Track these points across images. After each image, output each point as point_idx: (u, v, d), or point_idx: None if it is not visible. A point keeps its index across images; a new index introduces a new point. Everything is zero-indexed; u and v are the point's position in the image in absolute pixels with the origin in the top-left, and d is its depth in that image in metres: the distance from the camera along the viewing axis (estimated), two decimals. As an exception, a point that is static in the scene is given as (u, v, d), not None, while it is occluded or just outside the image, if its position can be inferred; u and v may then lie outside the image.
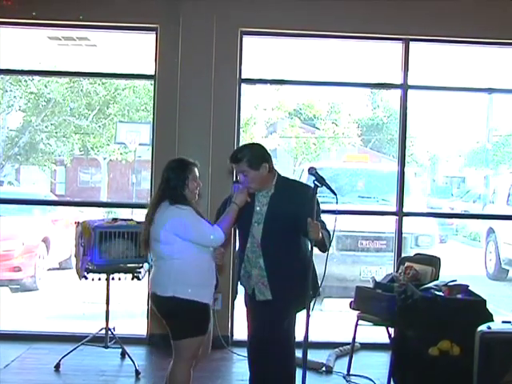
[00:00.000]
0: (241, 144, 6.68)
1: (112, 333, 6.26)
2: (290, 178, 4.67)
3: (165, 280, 4.26)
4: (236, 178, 4.66)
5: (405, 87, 6.93)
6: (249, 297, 4.62)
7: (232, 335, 6.91)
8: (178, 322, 4.28)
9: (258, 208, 4.45)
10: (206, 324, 4.31)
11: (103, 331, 6.24)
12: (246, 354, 5.88)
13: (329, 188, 4.18)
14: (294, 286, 4.32)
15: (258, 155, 4.43)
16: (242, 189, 4.37)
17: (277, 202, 4.41)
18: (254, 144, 4.81)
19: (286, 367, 4.51)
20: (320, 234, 4.21)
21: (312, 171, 4.21)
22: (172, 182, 4.29)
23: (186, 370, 4.33)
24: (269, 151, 4.57)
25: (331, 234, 4.46)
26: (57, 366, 6.01)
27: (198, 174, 4.41)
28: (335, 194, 4.23)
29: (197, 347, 4.31)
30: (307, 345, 4.23)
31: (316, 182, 4.18)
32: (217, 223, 4.29)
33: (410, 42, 6.89)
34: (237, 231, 4.78)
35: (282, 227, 4.32)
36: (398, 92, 7.03)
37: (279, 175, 4.54)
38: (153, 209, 4.28)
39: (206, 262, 4.29)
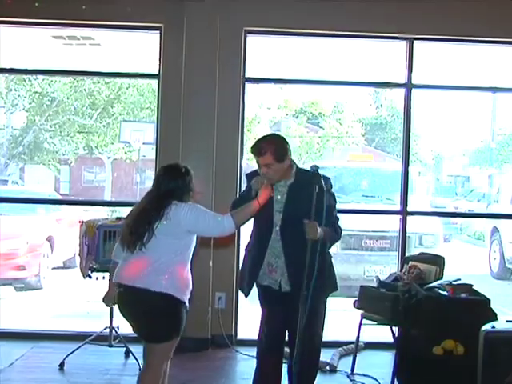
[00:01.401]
0: (245, 141, 6.68)
1: (116, 331, 6.26)
2: (308, 170, 4.55)
3: (163, 273, 4.14)
4: (249, 176, 4.57)
5: (409, 86, 6.92)
6: (268, 292, 4.48)
7: (236, 334, 6.91)
8: (164, 322, 4.15)
9: (278, 197, 4.40)
10: (182, 326, 4.24)
11: (107, 330, 6.24)
12: (249, 353, 5.90)
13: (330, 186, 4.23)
14: (311, 276, 4.24)
15: (282, 148, 4.36)
16: (266, 185, 4.29)
17: (295, 191, 4.37)
18: (277, 136, 4.66)
19: (313, 364, 4.52)
20: (318, 234, 4.17)
21: (313, 168, 4.23)
22: (174, 184, 4.28)
23: (157, 372, 4.27)
24: (288, 142, 4.51)
25: (340, 232, 4.47)
26: (61, 365, 6.02)
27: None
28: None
29: (171, 349, 4.28)
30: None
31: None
32: (232, 213, 4.24)
33: (414, 41, 6.88)
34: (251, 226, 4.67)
35: (300, 216, 4.21)
36: (402, 91, 7.02)
37: (297, 166, 4.51)
38: (157, 211, 4.17)
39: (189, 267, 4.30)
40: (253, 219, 4.43)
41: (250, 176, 4.55)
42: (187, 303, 4.22)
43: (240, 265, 6.71)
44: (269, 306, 4.54)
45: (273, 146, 4.33)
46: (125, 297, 4.22)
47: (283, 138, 4.52)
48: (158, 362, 4.26)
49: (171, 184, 4.27)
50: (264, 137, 4.54)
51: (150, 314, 4.14)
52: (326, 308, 4.54)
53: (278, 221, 4.37)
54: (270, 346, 4.54)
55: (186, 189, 4.29)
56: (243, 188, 4.81)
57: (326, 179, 4.34)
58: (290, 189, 4.40)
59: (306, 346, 4.23)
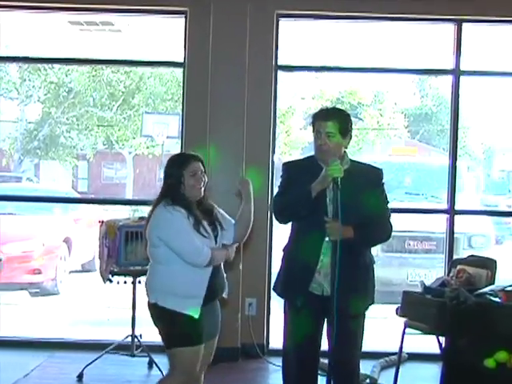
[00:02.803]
0: (277, 133, 6.67)
1: (139, 340, 6.31)
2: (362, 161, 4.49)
3: (151, 285, 4.32)
4: (288, 166, 4.49)
5: (457, 73, 6.87)
6: (309, 299, 4.31)
7: (268, 343, 6.92)
8: (162, 331, 4.33)
9: (330, 184, 4.16)
10: (192, 336, 4.22)
11: (129, 338, 6.29)
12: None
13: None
14: (355, 281, 4.22)
15: (349, 120, 4.29)
16: (333, 160, 4.08)
17: (349, 179, 4.16)
18: (344, 109, 4.59)
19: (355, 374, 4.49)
20: (341, 236, 4.03)
21: None
22: (169, 180, 4.29)
23: (172, 381, 4.36)
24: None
25: (388, 231, 4.39)
26: (80, 376, 6.06)
27: (199, 168, 4.31)
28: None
29: (190, 359, 4.26)
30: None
31: None
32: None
33: (463, 24, 6.82)
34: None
35: (353, 208, 4.11)
36: (450, 78, 6.98)
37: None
38: (152, 208, 4.30)
39: (194, 271, 4.20)
40: None
41: (289, 166, 4.49)
42: (182, 311, 4.17)
43: (273, 268, 6.79)
44: (302, 315, 4.36)
45: (340, 115, 4.28)
46: None
47: (351, 117, 4.41)
48: (173, 371, 4.34)
49: (163, 181, 4.35)
50: (332, 107, 4.53)
51: (154, 324, 4.39)
52: (364, 321, 4.46)
53: (330, 211, 4.16)
54: (301, 359, 4.43)
55: (171, 184, 4.26)
56: (275, 184, 4.75)
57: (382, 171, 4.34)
58: (346, 176, 4.16)
59: (344, 369, 4.25)
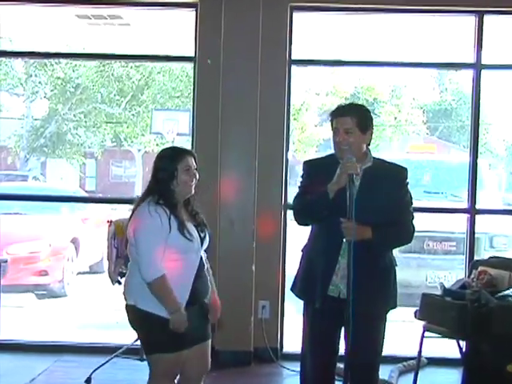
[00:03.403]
0: (291, 130, 6.66)
1: (148, 344, 6.31)
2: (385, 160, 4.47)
3: (129, 286, 4.25)
4: (308, 165, 4.47)
5: (478, 67, 6.84)
6: (326, 302, 4.31)
7: (282, 347, 6.92)
8: (140, 335, 4.33)
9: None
10: (172, 341, 4.13)
11: (138, 342, 6.28)
12: (296, 369, 5.89)
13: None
14: (375, 283, 4.22)
15: (368, 115, 4.29)
16: (348, 158, 4.07)
17: (371, 177, 4.21)
18: (363, 105, 4.61)
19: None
20: (355, 236, 4.01)
21: None
22: (159, 174, 4.19)
23: None
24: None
25: (410, 232, 4.36)
26: (88, 381, 6.06)
27: (192, 163, 4.22)
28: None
29: (169, 366, 4.21)
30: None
31: None
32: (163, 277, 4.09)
33: (485, 15, 6.79)
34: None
35: (375, 208, 4.13)
36: (470, 72, 6.95)
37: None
38: (136, 204, 4.22)
39: (177, 272, 4.12)
40: None
41: (309, 165, 4.47)
42: (162, 315, 4.08)
43: (287, 269, 6.78)
44: (320, 318, 4.36)
45: (358, 110, 4.27)
46: None
47: (370, 112, 4.41)
48: (153, 378, 4.26)
49: (151, 175, 4.27)
50: (350, 102, 4.51)
51: (132, 328, 4.36)
52: (385, 326, 4.43)
53: (351, 212, 4.10)
54: (318, 364, 4.44)
55: (162, 179, 4.17)
56: (294, 182, 4.71)
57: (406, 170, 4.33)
58: (365, 173, 4.22)
59: (362, 374, 4.23)
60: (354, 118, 4.17)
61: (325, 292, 4.25)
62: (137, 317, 4.21)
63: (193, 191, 4.26)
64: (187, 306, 4.15)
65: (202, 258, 4.28)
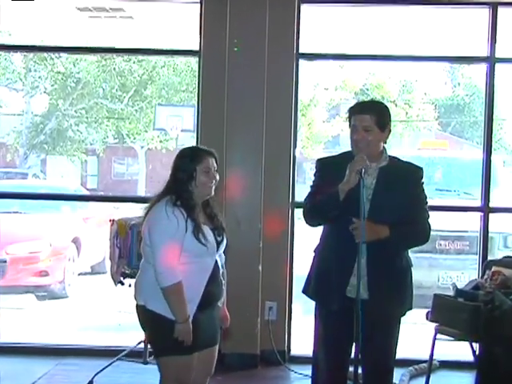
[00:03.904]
0: (298, 126, 6.66)
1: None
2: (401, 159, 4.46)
3: (140, 285, 4.26)
4: (322, 163, 4.45)
5: (492, 60, 6.83)
6: (343, 303, 4.28)
7: (289, 350, 6.92)
8: (150, 336, 4.32)
9: (367, 181, 4.17)
10: (183, 344, 4.13)
11: (142, 345, 6.30)
12: (304, 372, 5.91)
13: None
14: (392, 284, 4.22)
15: (387, 113, 4.29)
16: (359, 157, 4.08)
17: (387, 176, 4.23)
18: (382, 102, 4.63)
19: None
20: (365, 238, 4.03)
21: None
22: (178, 175, 4.20)
23: None
24: None
25: (426, 231, 4.35)
26: (89, 384, 6.10)
27: (213, 165, 4.24)
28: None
29: (181, 369, 4.20)
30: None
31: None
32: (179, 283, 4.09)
33: (499, 7, 6.78)
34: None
35: (391, 207, 4.15)
36: (484, 66, 6.94)
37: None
38: (153, 202, 4.23)
39: (189, 275, 4.12)
40: None
41: (322, 163, 4.46)
42: (172, 317, 4.11)
43: (295, 269, 6.79)
44: (336, 321, 4.33)
45: (378, 108, 4.28)
46: None
47: (389, 109, 4.41)
48: (164, 382, 4.27)
49: (170, 175, 4.28)
50: (369, 100, 4.52)
51: (142, 329, 4.37)
52: (399, 328, 4.42)
53: (366, 210, 4.11)
54: (333, 367, 4.42)
55: (181, 179, 4.18)
56: (302, 180, 4.71)
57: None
58: (381, 172, 4.24)
59: (375, 378, 4.24)
60: (373, 116, 4.17)
61: (343, 293, 4.23)
62: (146, 318, 4.22)
63: (212, 193, 4.27)
64: (199, 309, 4.16)
65: (217, 261, 4.27)
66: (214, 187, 4.26)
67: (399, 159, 4.42)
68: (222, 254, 4.41)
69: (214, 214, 4.32)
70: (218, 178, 4.28)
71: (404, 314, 4.40)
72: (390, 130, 4.29)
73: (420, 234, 4.37)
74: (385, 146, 4.32)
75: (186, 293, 4.09)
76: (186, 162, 4.22)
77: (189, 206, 4.14)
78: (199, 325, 4.16)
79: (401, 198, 4.18)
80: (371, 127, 4.17)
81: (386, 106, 4.39)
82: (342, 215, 4.15)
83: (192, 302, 4.14)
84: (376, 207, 4.13)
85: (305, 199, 4.46)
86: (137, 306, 4.26)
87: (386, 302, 4.18)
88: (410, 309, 4.44)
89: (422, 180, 4.37)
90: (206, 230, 4.19)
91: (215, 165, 4.27)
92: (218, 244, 4.27)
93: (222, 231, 4.32)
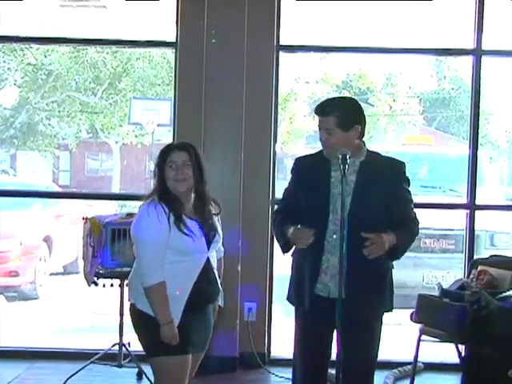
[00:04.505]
0: (279, 121, 6.67)
1: (127, 349, 6.30)
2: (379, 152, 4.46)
3: (131, 284, 4.31)
4: (299, 162, 4.44)
5: (478, 53, 6.86)
6: (315, 302, 4.31)
7: (269, 352, 6.93)
8: (140, 336, 4.30)
9: (348, 177, 4.13)
10: (178, 343, 4.14)
11: (116, 347, 6.29)
12: (285, 375, 5.92)
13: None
14: (369, 283, 4.22)
15: (351, 111, 4.26)
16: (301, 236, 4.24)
17: (367, 171, 4.22)
18: (350, 99, 4.62)
19: None
20: (385, 249, 4.11)
21: (343, 154, 4.08)
22: (155, 173, 4.29)
23: None
24: (364, 111, 4.39)
25: (414, 230, 4.36)
26: (62, 389, 6.08)
27: (181, 158, 4.20)
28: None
29: (174, 371, 4.20)
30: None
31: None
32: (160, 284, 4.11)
33: (485, -3, 6.83)
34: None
35: (373, 204, 4.17)
36: (470, 59, 6.97)
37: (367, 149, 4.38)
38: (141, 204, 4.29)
39: (178, 273, 4.14)
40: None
41: (298, 163, 4.48)
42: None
43: (274, 268, 6.80)
44: (311, 320, 4.37)
45: (339, 109, 4.23)
46: None
47: (358, 104, 4.40)
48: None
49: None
50: (334, 97, 4.55)
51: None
52: (381, 330, 4.42)
53: (346, 205, 4.08)
54: (308, 368, 4.45)
55: (157, 178, 4.22)
56: (283, 176, 4.74)
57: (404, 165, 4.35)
58: (361, 167, 4.24)
59: (353, 381, 4.22)
60: (334, 118, 4.17)
61: (312, 291, 4.26)
62: (135, 316, 4.25)
63: (183, 188, 4.21)
64: (190, 309, 4.17)
65: (209, 259, 4.28)
66: (184, 182, 4.20)
67: (379, 154, 4.42)
68: (222, 247, 4.49)
69: (203, 209, 4.30)
70: (188, 172, 4.21)
71: (382, 315, 4.39)
72: (363, 127, 4.26)
73: (415, 233, 4.39)
74: (363, 141, 4.32)
75: (173, 291, 4.10)
76: (158, 160, 4.25)
77: (169, 200, 4.15)
78: (191, 325, 4.18)
79: (383, 195, 4.18)
80: (333, 130, 4.18)
81: (352, 104, 4.37)
82: (311, 213, 4.25)
83: (179, 300, 4.14)
84: (357, 201, 4.16)
85: (275, 208, 4.53)
86: (130, 305, 4.31)
87: (363, 302, 4.17)
88: (391, 310, 4.44)
89: (406, 175, 4.36)
90: (191, 223, 4.19)
91: (186, 157, 4.22)
92: (210, 240, 4.28)
93: (212, 227, 4.32)
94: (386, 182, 4.21)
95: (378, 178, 4.20)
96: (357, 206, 4.15)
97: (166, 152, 4.25)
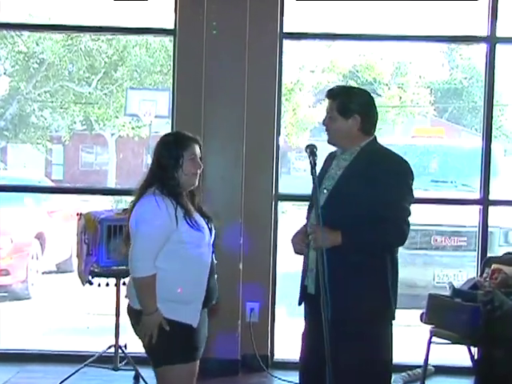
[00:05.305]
0: (282, 112, 6.66)
1: (123, 351, 6.31)
2: (385, 147, 4.37)
3: (130, 283, 4.27)
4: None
5: (492, 41, 6.86)
6: (303, 295, 4.37)
7: (272, 355, 6.94)
8: (147, 343, 4.17)
9: (332, 171, 4.26)
10: (190, 350, 4.15)
11: (112, 349, 6.30)
12: (288, 378, 5.93)
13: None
14: (345, 279, 4.12)
15: (356, 100, 4.24)
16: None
17: (357, 168, 4.20)
18: (360, 90, 4.63)
19: None
20: (326, 245, 4.00)
21: (309, 149, 4.09)
22: (163, 161, 4.19)
23: None
24: (376, 108, 4.37)
25: (397, 232, 4.23)
26: (55, 393, 6.09)
27: (198, 152, 4.26)
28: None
29: (185, 378, 4.19)
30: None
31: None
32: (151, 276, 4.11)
33: (500, -17, 6.83)
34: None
35: (350, 200, 4.10)
36: (483, 47, 6.97)
37: (375, 141, 4.34)
38: (137, 196, 4.21)
39: (190, 270, 4.14)
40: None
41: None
42: (179, 319, 4.10)
43: (277, 267, 6.80)
44: (306, 318, 4.43)
45: (345, 95, 4.27)
46: None
47: (369, 96, 4.37)
48: None
49: (153, 163, 4.29)
50: (350, 86, 4.55)
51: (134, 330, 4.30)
52: (378, 337, 4.27)
53: (321, 201, 4.13)
54: (305, 370, 4.46)
55: (166, 166, 4.17)
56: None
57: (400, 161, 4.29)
58: (353, 162, 4.23)
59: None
60: (335, 102, 4.21)
61: (303, 287, 4.33)
62: (134, 317, 4.20)
63: (196, 183, 4.27)
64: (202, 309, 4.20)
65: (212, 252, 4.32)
66: (198, 177, 4.26)
67: (384, 151, 4.32)
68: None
69: (199, 207, 4.33)
70: (201, 166, 4.28)
71: (377, 317, 4.21)
72: (360, 120, 4.22)
73: (392, 234, 4.21)
74: (375, 136, 4.31)
75: (188, 293, 4.11)
76: (172, 147, 4.20)
77: (176, 193, 4.15)
78: (200, 328, 4.18)
79: (364, 192, 4.09)
80: (333, 115, 4.21)
81: (360, 94, 4.36)
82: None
83: (197, 301, 4.15)
84: (333, 197, 4.18)
85: None
86: (133, 309, 4.22)
87: (336, 299, 3.98)
88: (389, 310, 4.30)
89: (399, 171, 4.24)
90: (198, 217, 4.21)
91: (200, 153, 4.29)
92: (210, 230, 4.31)
93: (210, 220, 4.34)
94: (372, 180, 4.12)
95: (365, 175, 4.14)
96: (332, 202, 4.16)
97: (184, 141, 4.24)
